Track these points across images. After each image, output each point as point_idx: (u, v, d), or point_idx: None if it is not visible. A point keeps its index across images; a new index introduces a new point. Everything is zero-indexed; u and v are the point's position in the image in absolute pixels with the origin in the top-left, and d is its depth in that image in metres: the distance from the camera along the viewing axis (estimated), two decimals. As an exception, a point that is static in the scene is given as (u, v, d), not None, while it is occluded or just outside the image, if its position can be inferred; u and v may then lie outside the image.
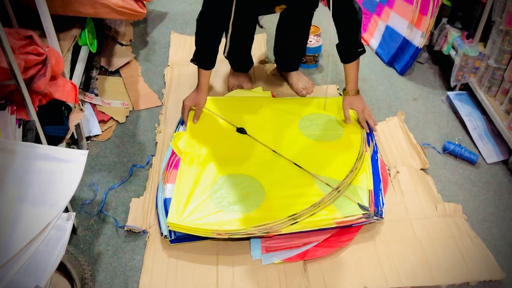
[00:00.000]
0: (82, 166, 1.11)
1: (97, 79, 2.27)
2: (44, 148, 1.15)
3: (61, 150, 1.14)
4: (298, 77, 2.29)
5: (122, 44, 2.54)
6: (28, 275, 0.97)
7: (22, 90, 1.29)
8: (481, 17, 2.05)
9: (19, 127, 1.29)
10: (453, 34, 2.26)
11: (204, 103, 2.00)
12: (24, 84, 1.30)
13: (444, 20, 2.36)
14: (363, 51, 1.93)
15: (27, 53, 1.36)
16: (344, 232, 1.61)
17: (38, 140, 1.39)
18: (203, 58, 1.94)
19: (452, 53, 2.27)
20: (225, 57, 2.20)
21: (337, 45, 1.96)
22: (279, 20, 2.11)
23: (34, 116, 1.37)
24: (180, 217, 1.55)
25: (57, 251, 0.97)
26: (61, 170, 1.10)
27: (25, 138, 1.28)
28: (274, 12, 1.97)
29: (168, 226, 1.55)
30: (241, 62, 2.26)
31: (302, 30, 2.12)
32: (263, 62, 2.48)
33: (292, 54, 2.23)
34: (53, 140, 1.61)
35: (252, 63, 2.32)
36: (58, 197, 1.04)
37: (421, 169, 1.89)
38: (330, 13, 1.81)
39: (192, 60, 1.97)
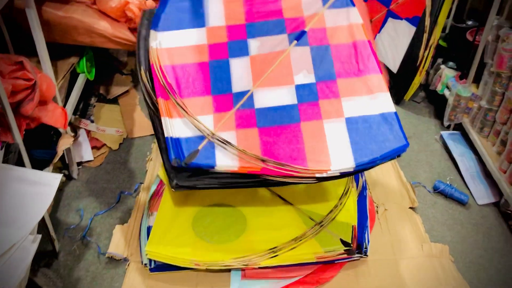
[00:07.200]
0: (54, 189, 1.12)
1: (94, 106, 2.30)
2: (19, 170, 1.17)
3: (36, 173, 1.16)
4: None
5: (123, 73, 2.59)
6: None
7: (7, 113, 1.31)
8: (474, 58, 2.07)
9: (1, 149, 1.31)
10: (447, 75, 2.27)
11: None
12: (9, 108, 1.32)
13: (439, 60, 2.38)
14: None
15: (16, 78, 1.40)
16: (326, 268, 1.58)
17: (21, 163, 1.41)
18: None
19: (446, 92, 2.27)
20: None
21: None
22: None
23: (19, 139, 1.39)
24: (159, 245, 1.54)
25: (19, 272, 0.97)
26: (34, 193, 1.11)
27: (5, 158, 1.30)
28: None
29: (147, 254, 1.55)
30: None
31: None
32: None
33: None
34: (40, 164, 1.63)
35: None
36: (27, 219, 1.04)
37: (410, 207, 1.87)
38: None
39: None
